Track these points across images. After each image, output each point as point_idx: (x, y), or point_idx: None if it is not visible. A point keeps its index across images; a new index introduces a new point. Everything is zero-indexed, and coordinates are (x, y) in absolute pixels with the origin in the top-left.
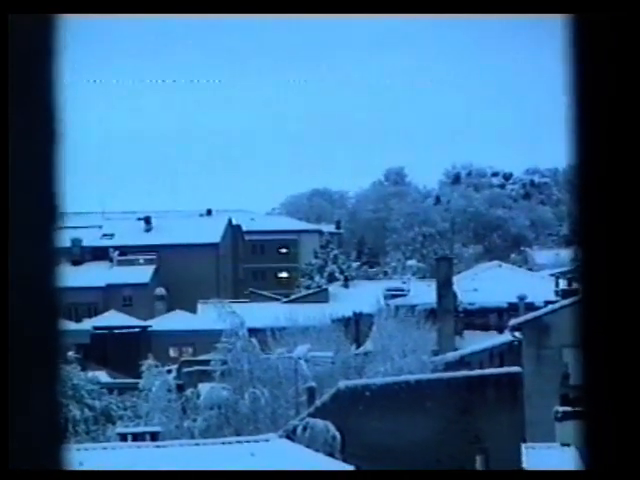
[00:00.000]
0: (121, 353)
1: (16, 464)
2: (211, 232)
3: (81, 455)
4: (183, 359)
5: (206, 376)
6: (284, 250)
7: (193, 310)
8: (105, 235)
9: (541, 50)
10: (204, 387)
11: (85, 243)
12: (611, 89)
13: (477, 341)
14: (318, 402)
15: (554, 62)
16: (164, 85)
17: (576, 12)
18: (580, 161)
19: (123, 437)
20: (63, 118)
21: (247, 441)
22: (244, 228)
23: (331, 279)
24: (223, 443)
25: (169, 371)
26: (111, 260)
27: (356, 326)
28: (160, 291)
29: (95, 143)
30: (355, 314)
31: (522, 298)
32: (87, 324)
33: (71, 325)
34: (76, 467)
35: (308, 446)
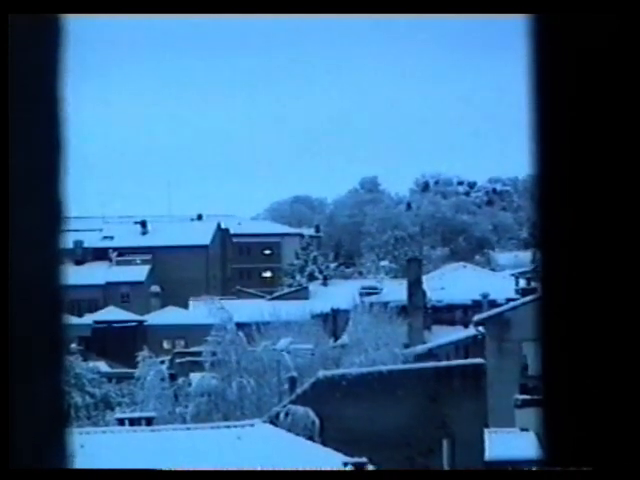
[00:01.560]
0: (119, 345)
1: (22, 448)
2: (201, 235)
3: (82, 438)
4: (176, 351)
5: (197, 366)
6: (268, 252)
7: (185, 306)
8: (105, 237)
9: (503, 67)
10: (195, 376)
11: (87, 245)
12: (571, 98)
13: (444, 335)
14: (299, 390)
15: (515, 77)
16: (159, 97)
17: (537, 13)
18: (539, 170)
19: (121, 422)
20: (66, 124)
21: (234, 426)
22: (232, 231)
23: (311, 278)
24: (212, 428)
25: (163, 362)
26: (110, 260)
27: (334, 321)
28: (155, 289)
29: (94, 151)
30: (333, 310)
31: (485, 296)
32: (88, 319)
33: (74, 319)
34: (77, 449)
35: (289, 430)
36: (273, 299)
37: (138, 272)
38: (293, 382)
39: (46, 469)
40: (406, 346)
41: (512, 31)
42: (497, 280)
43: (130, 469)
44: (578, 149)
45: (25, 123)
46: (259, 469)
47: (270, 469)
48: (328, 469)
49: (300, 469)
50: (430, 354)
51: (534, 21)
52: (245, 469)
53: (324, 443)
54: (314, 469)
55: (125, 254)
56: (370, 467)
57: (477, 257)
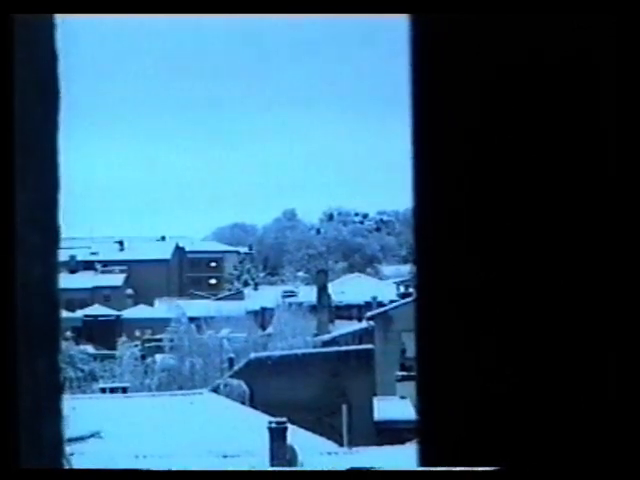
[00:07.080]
0: (103, 333)
1: (26, 411)
2: (164, 251)
3: (74, 403)
4: (145, 338)
5: (160, 349)
6: (213, 264)
7: (152, 304)
8: (92, 253)
9: (389, 114)
10: (159, 357)
11: (78, 258)
12: (443, 140)
13: (344, 327)
14: (236, 368)
15: (400, 126)
16: (133, 147)
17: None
18: (415, 204)
19: (103, 390)
20: (60, 163)
21: (187, 394)
22: (187, 249)
23: (245, 284)
24: (171, 395)
25: (136, 346)
26: (96, 270)
27: (262, 316)
28: (129, 291)
29: (83, 187)
30: (262, 308)
31: (374, 298)
32: (79, 313)
33: (68, 314)
34: (70, 411)
35: (228, 397)
36: (217, 300)
37: (117, 279)
38: (231, 362)
39: (46, 469)
40: (315, 335)
41: (399, 76)
42: (383, 286)
43: (130, 469)
44: (446, 187)
45: (28, 166)
46: (259, 469)
47: (270, 469)
48: (328, 469)
49: (300, 469)
50: (333, 341)
51: (415, 63)
52: (244, 469)
53: (254, 407)
54: (313, 469)
55: (107, 266)
56: (288, 425)
57: (369, 269)
